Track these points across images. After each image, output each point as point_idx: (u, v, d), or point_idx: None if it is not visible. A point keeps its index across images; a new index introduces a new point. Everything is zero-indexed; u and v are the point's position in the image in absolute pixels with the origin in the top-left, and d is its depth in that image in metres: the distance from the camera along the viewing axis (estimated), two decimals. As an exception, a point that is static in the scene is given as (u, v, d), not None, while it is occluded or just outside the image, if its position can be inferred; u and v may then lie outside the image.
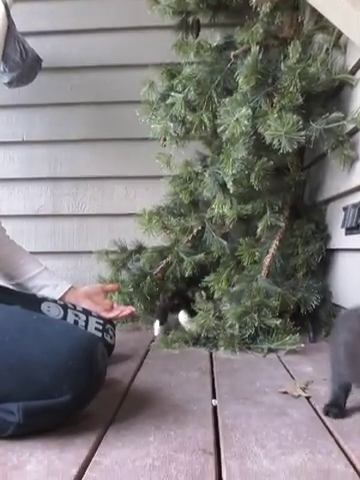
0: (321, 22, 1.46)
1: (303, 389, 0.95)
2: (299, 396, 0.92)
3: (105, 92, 1.98)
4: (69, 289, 1.23)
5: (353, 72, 1.36)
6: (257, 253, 1.50)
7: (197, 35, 1.76)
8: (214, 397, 0.93)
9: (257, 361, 1.21)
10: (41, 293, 1.20)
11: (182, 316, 1.47)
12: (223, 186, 1.45)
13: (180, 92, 1.49)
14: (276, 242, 1.49)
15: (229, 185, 1.40)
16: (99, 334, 1.15)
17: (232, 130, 1.34)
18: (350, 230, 1.31)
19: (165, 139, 1.57)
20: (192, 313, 1.42)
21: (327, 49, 1.45)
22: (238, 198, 1.48)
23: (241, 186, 1.42)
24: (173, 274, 1.61)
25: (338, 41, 1.45)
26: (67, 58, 1.99)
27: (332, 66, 1.39)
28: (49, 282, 1.22)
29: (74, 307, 1.18)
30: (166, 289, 1.59)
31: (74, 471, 0.63)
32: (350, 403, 0.84)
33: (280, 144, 1.27)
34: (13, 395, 0.74)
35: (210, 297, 1.48)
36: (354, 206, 1.30)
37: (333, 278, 1.53)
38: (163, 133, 1.54)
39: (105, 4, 1.96)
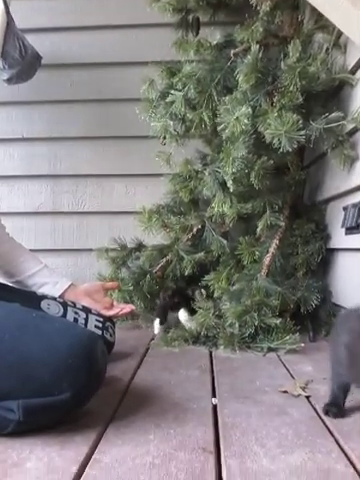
0: (321, 21, 1.45)
1: (303, 388, 0.95)
2: (299, 395, 0.92)
3: (105, 89, 1.98)
4: (69, 287, 1.23)
5: (353, 72, 1.36)
6: (257, 252, 1.50)
7: (197, 33, 1.76)
8: (214, 396, 0.93)
9: (257, 360, 1.21)
10: (41, 291, 1.20)
11: (182, 314, 1.47)
12: (223, 185, 1.45)
13: (180, 90, 1.49)
14: (276, 241, 1.49)
15: (229, 184, 1.40)
16: (99, 332, 1.15)
17: (232, 129, 1.34)
18: (350, 230, 1.31)
19: (165, 137, 1.57)
20: (192, 311, 1.42)
21: (327, 48, 1.45)
22: (238, 197, 1.48)
23: (241, 185, 1.42)
24: (173, 272, 1.61)
25: (338, 40, 1.45)
26: (67, 55, 1.98)
27: (332, 65, 1.39)
28: (49, 280, 1.22)
29: (74, 305, 1.18)
30: (166, 287, 1.59)
31: (74, 468, 0.63)
32: (350, 403, 0.84)
33: (280, 143, 1.27)
34: (13, 393, 0.74)
35: (210, 296, 1.48)
36: (354, 206, 1.30)
37: (333, 278, 1.54)
38: (163, 131, 1.54)
39: (105, 1, 1.96)
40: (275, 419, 0.81)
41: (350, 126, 1.30)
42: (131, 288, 1.59)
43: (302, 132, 1.26)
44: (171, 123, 1.51)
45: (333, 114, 1.30)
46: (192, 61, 1.55)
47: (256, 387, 0.98)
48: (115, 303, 1.32)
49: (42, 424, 0.75)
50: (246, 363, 1.18)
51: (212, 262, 1.61)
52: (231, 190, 1.42)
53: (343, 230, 1.36)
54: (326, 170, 1.57)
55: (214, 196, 1.49)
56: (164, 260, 1.64)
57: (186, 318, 1.45)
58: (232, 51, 1.50)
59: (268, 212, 1.49)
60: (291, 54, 1.36)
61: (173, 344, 1.33)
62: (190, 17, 1.76)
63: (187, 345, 1.35)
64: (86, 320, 1.16)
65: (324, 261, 1.54)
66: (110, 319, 1.23)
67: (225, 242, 1.59)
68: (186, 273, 1.59)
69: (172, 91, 1.50)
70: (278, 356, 1.24)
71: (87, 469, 0.64)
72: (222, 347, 1.29)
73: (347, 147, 1.32)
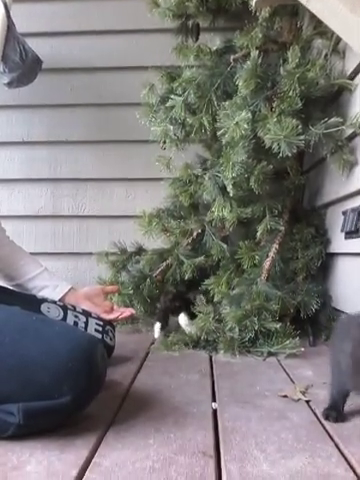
0: (320, 27, 1.46)
1: (303, 393, 0.95)
2: (299, 400, 0.92)
3: (105, 94, 1.99)
4: (69, 290, 1.24)
5: (352, 77, 1.37)
6: (257, 256, 1.50)
7: (197, 39, 1.77)
8: (214, 400, 0.93)
9: (257, 364, 1.21)
10: (41, 294, 1.20)
11: (182, 319, 1.47)
12: (223, 189, 1.45)
13: (180, 95, 1.50)
14: (276, 246, 1.49)
15: (229, 188, 1.40)
16: (99, 336, 1.15)
17: (232, 133, 1.34)
18: (349, 234, 1.31)
19: (165, 142, 1.57)
20: (192, 316, 1.42)
21: (326, 54, 1.46)
22: (238, 201, 1.48)
23: (241, 189, 1.42)
24: (173, 276, 1.61)
25: (337, 46, 1.46)
26: (67, 59, 1.99)
27: (331, 71, 1.40)
28: (49, 283, 1.22)
29: (74, 308, 1.19)
30: (167, 291, 1.59)
31: (74, 472, 0.63)
32: (350, 407, 0.84)
33: (279, 148, 1.28)
34: (13, 396, 0.74)
35: (210, 300, 1.48)
36: (353, 210, 1.30)
37: (333, 282, 1.54)
38: (163, 136, 1.55)
39: (105, 6, 1.97)
40: (275, 423, 0.81)
41: (349, 131, 1.31)
42: (131, 292, 1.59)
43: (301, 137, 1.27)
44: (171, 128, 1.52)
45: (332, 119, 1.31)
46: (192, 66, 1.56)
47: (256, 391, 0.98)
48: (115, 307, 1.32)
49: (42, 427, 0.75)
50: (246, 367, 1.18)
51: (212, 266, 1.61)
52: (231, 194, 1.42)
53: (343, 234, 1.36)
54: (325, 175, 1.58)
55: (214, 200, 1.50)
56: (164, 264, 1.64)
57: (186, 322, 1.45)
58: (232, 57, 1.51)
59: (268, 216, 1.49)
60: (290, 60, 1.37)
61: (173, 348, 1.33)
62: (190, 23, 1.77)
63: (187, 349, 1.34)
64: (86, 324, 1.16)
65: (324, 265, 1.54)
66: (110, 323, 1.23)
67: (225, 246, 1.59)
68: (186, 277, 1.58)
69: (172, 96, 1.51)
70: (278, 360, 1.24)
71: (87, 473, 0.63)
72: (222, 351, 1.29)
73: (346, 152, 1.32)
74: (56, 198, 2.04)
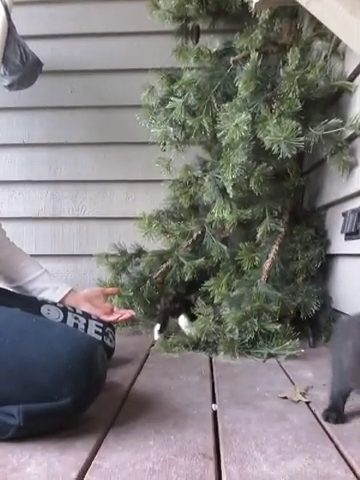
0: (320, 29, 1.47)
1: (303, 394, 0.95)
2: (299, 401, 0.92)
3: (105, 96, 2.00)
4: (69, 292, 1.24)
5: (351, 79, 1.37)
6: (257, 258, 1.50)
7: (197, 41, 1.77)
8: (214, 402, 0.93)
9: (257, 366, 1.21)
10: (41, 296, 1.20)
11: (182, 320, 1.47)
12: (223, 191, 1.45)
13: (180, 97, 1.50)
14: (276, 247, 1.49)
15: (229, 190, 1.41)
16: (99, 337, 1.15)
17: (232, 135, 1.35)
18: (349, 235, 1.31)
19: (165, 143, 1.58)
20: (192, 317, 1.42)
21: (326, 56, 1.46)
22: (238, 203, 1.49)
23: (241, 191, 1.42)
24: (173, 278, 1.61)
25: (336, 48, 1.46)
26: (67, 62, 2.00)
27: (331, 73, 1.40)
28: (49, 285, 1.22)
29: (74, 310, 1.19)
30: (167, 293, 1.59)
31: (74, 474, 0.63)
32: (349, 408, 0.84)
33: (279, 149, 1.28)
34: (13, 398, 0.74)
35: (210, 302, 1.48)
36: (353, 211, 1.30)
37: (333, 283, 1.54)
38: (163, 137, 1.55)
39: (106, 9, 1.97)
40: (275, 425, 0.81)
41: (349, 132, 1.31)
42: (131, 294, 1.59)
43: (301, 138, 1.27)
44: (171, 129, 1.52)
45: (332, 121, 1.31)
46: (192, 68, 1.56)
47: (256, 393, 0.98)
48: (115, 309, 1.32)
49: (42, 429, 0.75)
50: (246, 369, 1.18)
51: (212, 268, 1.61)
52: (231, 196, 1.42)
53: (343, 236, 1.36)
54: (325, 176, 1.58)
55: (214, 202, 1.50)
56: (164, 266, 1.64)
57: (186, 324, 1.45)
58: (232, 58, 1.51)
59: (268, 218, 1.49)
60: (290, 61, 1.37)
61: (173, 350, 1.33)
62: (190, 25, 1.77)
63: (187, 351, 1.34)
64: (86, 325, 1.16)
65: (324, 267, 1.54)
66: (110, 325, 1.23)
67: (225, 248, 1.59)
68: (186, 279, 1.58)
69: (172, 98, 1.51)
70: (278, 362, 1.24)
71: (87, 475, 0.63)
72: (222, 353, 1.29)
73: (346, 153, 1.33)
74: (56, 200, 2.04)
